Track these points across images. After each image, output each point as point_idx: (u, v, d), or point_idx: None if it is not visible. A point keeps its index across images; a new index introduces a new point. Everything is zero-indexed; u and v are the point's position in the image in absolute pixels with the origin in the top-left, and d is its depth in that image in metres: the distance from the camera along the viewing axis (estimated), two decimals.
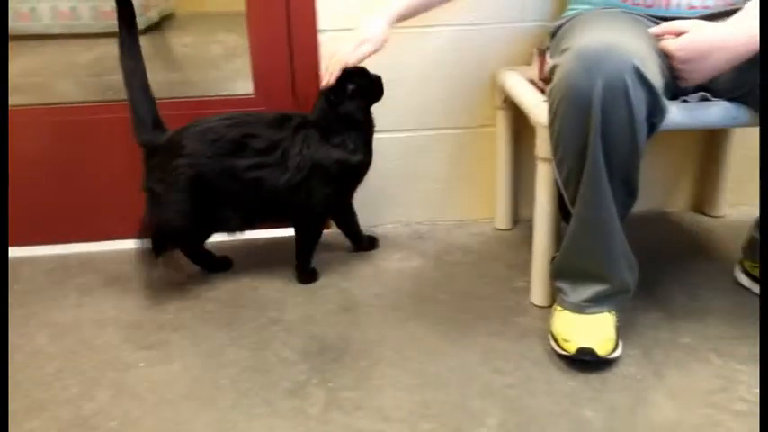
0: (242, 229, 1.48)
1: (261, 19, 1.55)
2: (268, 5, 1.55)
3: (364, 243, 1.63)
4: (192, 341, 1.30)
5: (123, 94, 1.40)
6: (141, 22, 3.51)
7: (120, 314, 1.39)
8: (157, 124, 1.44)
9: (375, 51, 1.36)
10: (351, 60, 1.35)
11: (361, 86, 1.41)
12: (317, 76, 1.59)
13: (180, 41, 3.50)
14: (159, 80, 1.55)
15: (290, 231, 1.52)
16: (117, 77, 1.39)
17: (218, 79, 2.73)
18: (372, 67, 1.60)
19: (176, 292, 1.47)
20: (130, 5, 1.40)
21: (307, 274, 1.51)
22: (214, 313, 1.39)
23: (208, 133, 1.39)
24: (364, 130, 1.46)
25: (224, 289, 1.47)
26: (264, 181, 1.40)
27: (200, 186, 1.38)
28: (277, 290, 1.46)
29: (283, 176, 1.40)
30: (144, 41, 1.42)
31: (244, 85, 1.64)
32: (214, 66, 2.94)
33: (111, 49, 1.39)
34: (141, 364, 1.23)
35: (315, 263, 1.53)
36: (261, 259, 1.59)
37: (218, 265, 1.56)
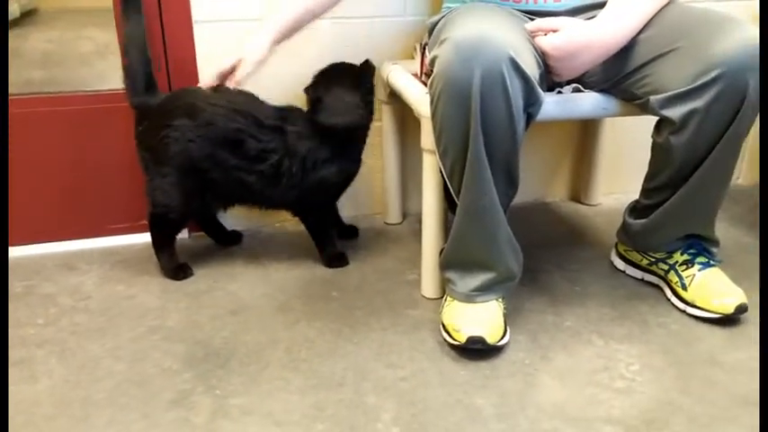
0: (224, 209, 1.50)
1: None
2: None
3: (345, 232, 1.62)
4: (59, 356, 1.19)
5: None
6: None
7: None
8: (150, 86, 1.40)
9: (251, 73, 1.34)
10: (229, 83, 1.35)
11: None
12: (194, 70, 1.52)
13: (44, 37, 3.26)
14: (24, 78, 1.43)
15: None
16: None
17: (89, 76, 2.56)
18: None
19: (40, 304, 1.35)
20: None
21: (335, 259, 1.50)
22: (85, 325, 1.28)
23: (201, 113, 1.36)
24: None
25: (96, 299, 1.37)
26: (252, 185, 1.39)
27: (186, 161, 1.36)
28: (156, 296, 1.38)
29: (275, 189, 1.39)
30: None
31: (117, 83, 1.54)
32: (84, 62, 2.76)
33: None
34: None
35: (196, 266, 1.47)
36: (137, 266, 1.50)
37: (229, 238, 1.60)
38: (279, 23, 1.35)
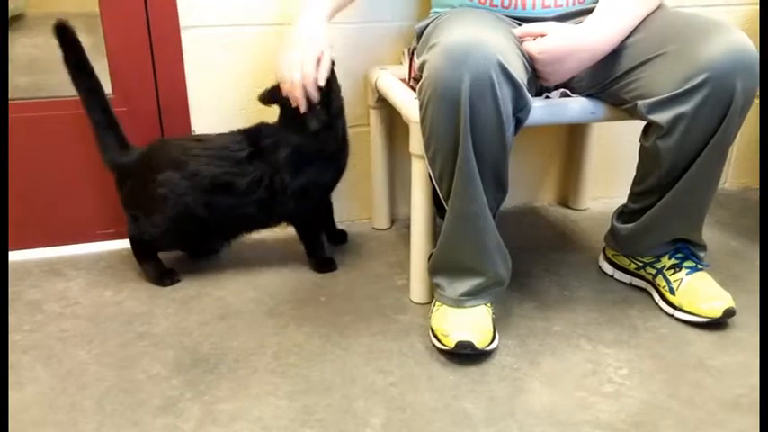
0: (228, 243, 1.52)
1: (117, 17, 1.45)
2: (124, 3, 1.45)
3: (335, 237, 1.62)
4: (45, 363, 1.18)
5: None
6: None
7: None
8: (123, 144, 1.41)
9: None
10: (321, 82, 1.26)
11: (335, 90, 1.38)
12: (182, 75, 1.51)
13: (31, 43, 3.24)
14: (11, 84, 1.43)
15: None
16: None
17: None
18: (243, 68, 1.55)
19: (26, 310, 1.33)
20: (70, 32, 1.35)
21: (324, 264, 1.50)
22: (72, 331, 1.27)
23: (185, 165, 1.36)
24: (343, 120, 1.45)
25: (83, 305, 1.36)
26: (250, 215, 1.40)
27: (182, 213, 1.37)
28: (143, 302, 1.37)
29: (275, 208, 1.40)
30: None
31: (104, 88, 1.53)
32: None
33: None
34: None
35: (184, 271, 1.46)
36: (124, 271, 1.49)
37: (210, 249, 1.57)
38: (328, 6, 1.30)
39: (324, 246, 1.52)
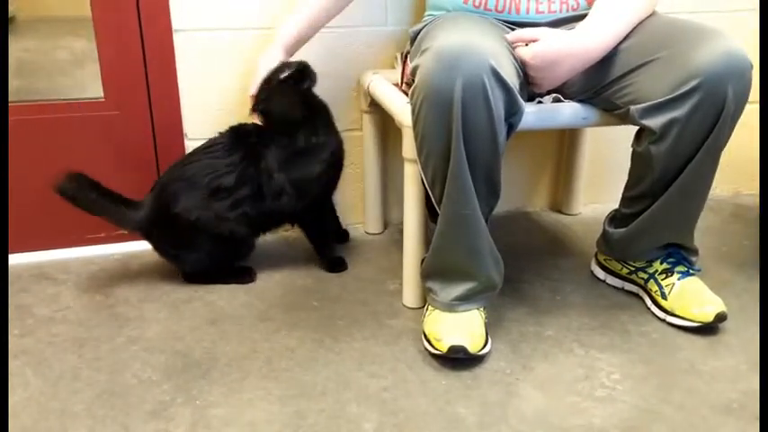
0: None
1: (109, 21, 1.45)
2: (116, 7, 1.45)
3: (338, 236, 1.64)
4: (36, 367, 1.17)
5: None
6: None
7: None
8: (128, 203, 1.39)
9: None
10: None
11: (292, 76, 1.39)
12: (174, 78, 1.51)
13: (21, 47, 3.23)
14: None
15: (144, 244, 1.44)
16: None
17: (67, 85, 2.53)
18: (236, 72, 1.55)
19: (17, 315, 1.32)
20: None
21: (335, 264, 1.51)
22: (63, 335, 1.26)
23: (191, 185, 1.37)
24: (324, 111, 1.45)
25: (74, 309, 1.35)
26: (248, 213, 1.38)
27: (203, 230, 1.38)
28: (135, 307, 1.36)
29: (264, 204, 1.39)
30: None
31: (96, 91, 1.53)
32: (62, 72, 2.73)
33: None
34: None
35: (175, 276, 1.46)
36: (115, 276, 1.48)
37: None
38: (285, 37, 1.40)
39: (333, 246, 1.54)
